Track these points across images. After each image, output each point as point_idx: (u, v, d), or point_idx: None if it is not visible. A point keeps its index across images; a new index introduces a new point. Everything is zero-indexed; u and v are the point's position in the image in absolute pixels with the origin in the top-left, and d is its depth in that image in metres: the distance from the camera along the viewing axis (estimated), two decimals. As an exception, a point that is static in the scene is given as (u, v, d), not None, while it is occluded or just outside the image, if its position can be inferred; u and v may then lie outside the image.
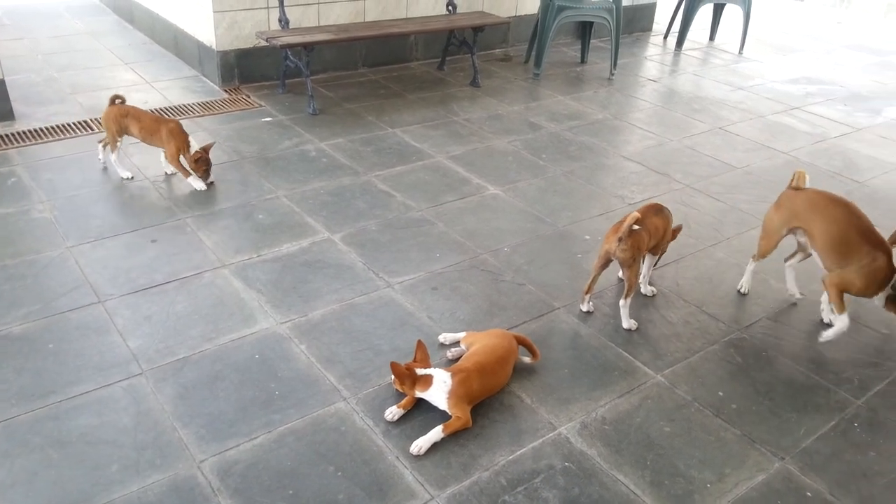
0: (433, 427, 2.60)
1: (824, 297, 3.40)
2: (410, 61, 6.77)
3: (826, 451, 2.69)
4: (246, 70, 5.89)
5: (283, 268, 3.55)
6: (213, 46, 5.70)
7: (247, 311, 3.22)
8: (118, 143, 4.22)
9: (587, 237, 3.99)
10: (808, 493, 2.51)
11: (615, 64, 6.81)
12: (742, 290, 3.58)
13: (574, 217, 4.20)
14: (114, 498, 2.32)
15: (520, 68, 6.91)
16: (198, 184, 4.20)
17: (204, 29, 5.79)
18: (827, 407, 2.91)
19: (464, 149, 5.03)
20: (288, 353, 2.98)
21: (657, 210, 3.33)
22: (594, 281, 3.31)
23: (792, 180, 3.33)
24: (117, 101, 4.22)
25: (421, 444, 2.56)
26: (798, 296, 3.53)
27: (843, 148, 5.52)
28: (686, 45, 7.95)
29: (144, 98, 5.50)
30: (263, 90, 5.84)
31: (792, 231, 3.31)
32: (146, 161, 4.48)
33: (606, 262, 3.23)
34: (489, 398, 2.79)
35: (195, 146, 4.15)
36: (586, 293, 3.35)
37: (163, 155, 4.29)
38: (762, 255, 3.45)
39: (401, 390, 2.74)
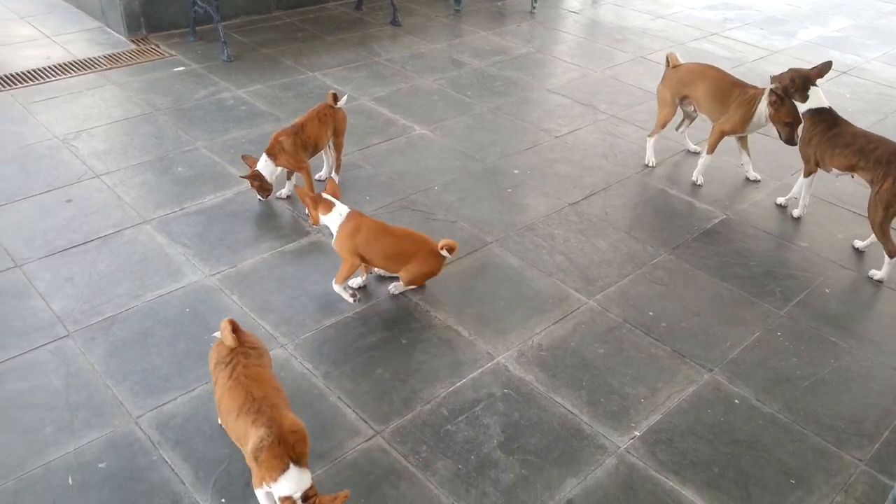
0: (371, 372, 2.64)
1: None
2: (327, 2, 6.56)
3: (751, 361, 2.82)
4: (153, 19, 5.60)
5: (208, 220, 3.45)
6: (116, -6, 5.39)
7: (173, 266, 3.13)
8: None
9: (516, 171, 4.00)
10: (736, 401, 2.63)
11: (536, -3, 6.75)
12: (651, 164, 4.16)
13: (502, 152, 4.20)
14: (50, 460, 2.26)
15: (440, 5, 6.78)
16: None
17: (104, -24, 5.47)
18: (752, 319, 3.03)
19: (387, 90, 4.94)
20: (220, 305, 2.92)
21: None
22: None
23: (669, 62, 4.03)
24: (338, 104, 3.64)
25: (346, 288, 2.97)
26: (695, 148, 4.29)
27: (761, 71, 5.63)
28: (605, -25, 7.91)
29: (46, 54, 5.19)
30: (173, 39, 5.58)
31: (681, 100, 4.01)
32: (54, 118, 4.26)
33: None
34: (428, 334, 2.81)
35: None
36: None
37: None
38: (661, 125, 4.10)
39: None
